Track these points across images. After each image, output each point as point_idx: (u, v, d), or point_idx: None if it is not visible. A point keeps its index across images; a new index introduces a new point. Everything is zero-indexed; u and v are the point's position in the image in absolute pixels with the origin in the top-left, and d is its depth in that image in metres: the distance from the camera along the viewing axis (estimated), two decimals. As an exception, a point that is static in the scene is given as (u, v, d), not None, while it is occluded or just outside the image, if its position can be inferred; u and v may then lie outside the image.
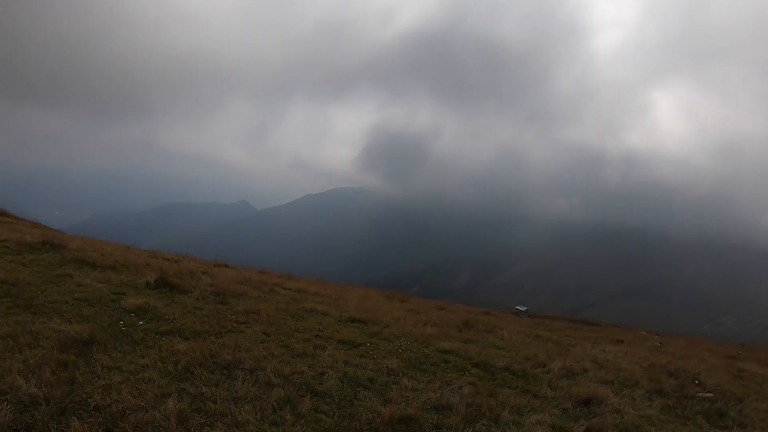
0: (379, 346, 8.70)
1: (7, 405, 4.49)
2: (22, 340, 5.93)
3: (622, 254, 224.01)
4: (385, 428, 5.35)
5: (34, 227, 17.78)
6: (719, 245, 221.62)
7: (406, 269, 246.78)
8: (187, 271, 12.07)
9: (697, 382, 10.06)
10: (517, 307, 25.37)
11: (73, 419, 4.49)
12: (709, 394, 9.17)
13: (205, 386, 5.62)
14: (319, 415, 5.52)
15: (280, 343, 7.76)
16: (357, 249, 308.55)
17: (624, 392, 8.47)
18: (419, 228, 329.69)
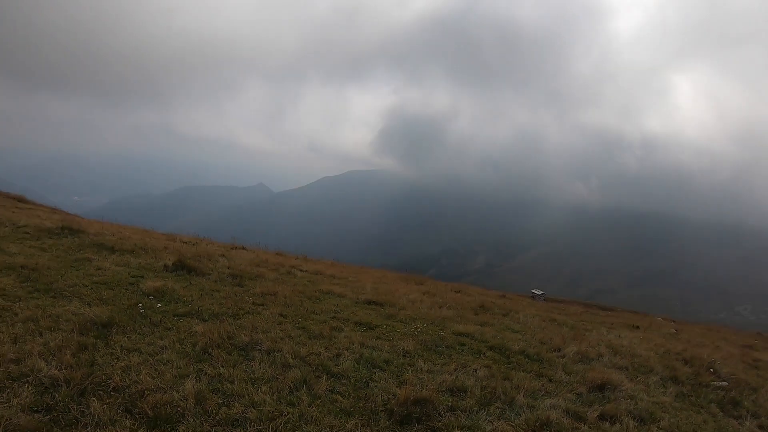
0: (395, 328, 8.75)
1: (28, 387, 4.58)
2: (43, 324, 6.03)
3: (640, 239, 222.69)
4: (400, 410, 5.38)
5: (53, 213, 18.02)
6: (738, 232, 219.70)
7: (422, 252, 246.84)
8: (205, 253, 12.18)
9: (711, 370, 10.02)
10: (533, 290, 25.38)
11: (93, 400, 4.56)
12: (723, 383, 9.14)
13: (222, 367, 5.69)
14: (335, 396, 5.57)
15: (296, 325, 7.83)
16: (373, 231, 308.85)
17: (638, 378, 8.46)
18: (436, 211, 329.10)
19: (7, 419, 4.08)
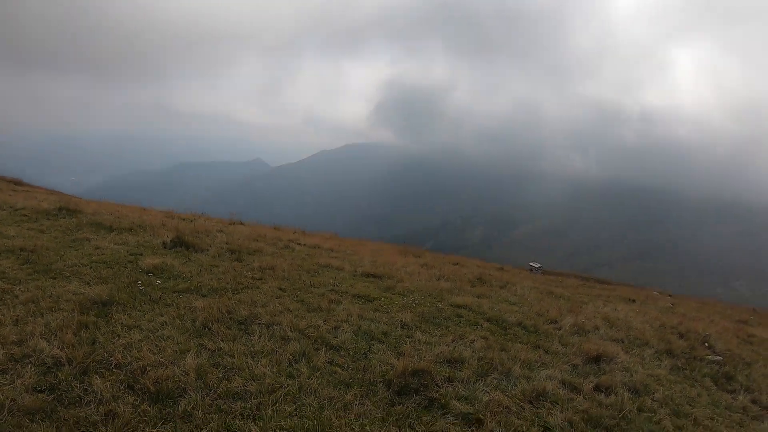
0: (393, 300, 8.83)
1: (31, 367, 4.62)
2: (43, 304, 6.06)
3: (638, 213, 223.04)
4: (398, 380, 5.45)
5: (50, 194, 18.00)
6: (736, 208, 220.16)
7: (420, 225, 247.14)
8: (203, 229, 12.22)
9: (706, 344, 10.14)
10: (531, 263, 25.50)
11: (96, 378, 4.62)
12: (718, 357, 9.25)
13: (222, 341, 5.76)
14: (334, 367, 5.65)
15: (295, 299, 7.90)
16: (371, 204, 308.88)
17: (634, 351, 8.57)
18: (434, 183, 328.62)
19: (11, 400, 4.13)
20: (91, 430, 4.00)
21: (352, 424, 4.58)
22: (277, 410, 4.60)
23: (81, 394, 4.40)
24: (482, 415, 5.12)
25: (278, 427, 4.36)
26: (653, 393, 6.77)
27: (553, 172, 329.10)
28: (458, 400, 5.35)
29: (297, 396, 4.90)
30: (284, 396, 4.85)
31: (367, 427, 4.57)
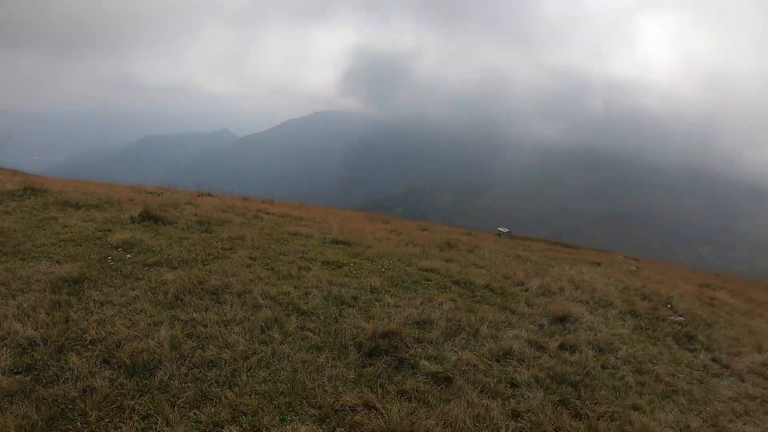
0: (362, 265, 8.97)
1: (6, 350, 4.62)
2: (14, 286, 6.00)
3: (605, 180, 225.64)
4: (368, 343, 5.61)
5: (14, 175, 17.57)
6: (702, 176, 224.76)
7: (389, 192, 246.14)
8: (171, 202, 12.14)
9: (669, 306, 10.52)
10: (499, 228, 25.81)
11: (71, 355, 4.67)
12: (680, 318, 9.63)
13: (195, 312, 5.83)
14: (306, 332, 5.78)
15: (265, 267, 7.98)
16: (340, 172, 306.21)
17: (598, 311, 8.89)
18: (402, 150, 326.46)
19: (-11, 383, 4.14)
20: (70, 406, 4.06)
21: (325, 386, 4.72)
22: (251, 376, 4.73)
23: (58, 372, 4.45)
24: (451, 373, 5.32)
25: (253, 392, 4.49)
26: (617, 351, 7.08)
27: (522, 139, 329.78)
28: (427, 359, 5.53)
29: (270, 361, 5.02)
30: (258, 362, 4.97)
31: (339, 389, 4.72)
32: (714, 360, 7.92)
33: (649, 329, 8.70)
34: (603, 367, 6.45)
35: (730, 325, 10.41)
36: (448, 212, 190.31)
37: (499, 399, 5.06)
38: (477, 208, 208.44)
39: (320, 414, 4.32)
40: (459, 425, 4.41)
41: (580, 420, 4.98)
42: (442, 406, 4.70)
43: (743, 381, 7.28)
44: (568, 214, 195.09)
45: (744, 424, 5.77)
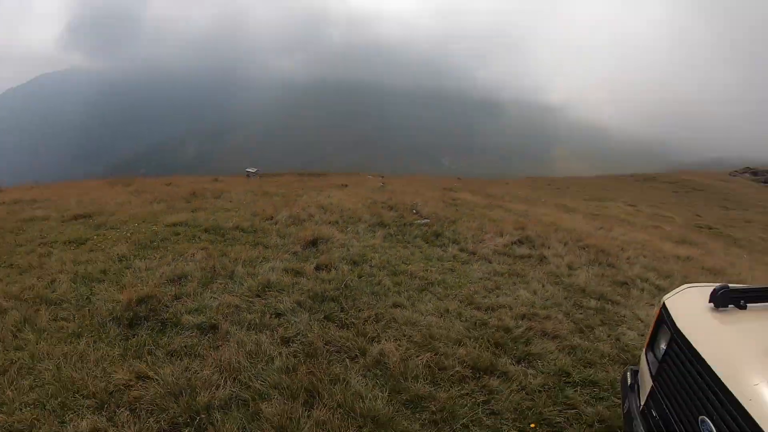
0: (107, 235, 8.57)
1: None
2: None
3: (348, 108, 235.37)
4: (126, 314, 5.42)
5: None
6: (438, 95, 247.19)
7: (131, 152, 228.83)
8: None
9: (415, 211, 11.65)
10: (248, 169, 25.95)
11: None
12: (426, 220, 10.73)
13: None
14: (60, 323, 5.39)
15: (3, 265, 7.25)
16: (75, 139, 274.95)
17: (349, 229, 9.54)
18: (139, 105, 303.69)
19: None
20: None
21: (93, 371, 4.48)
22: (16, 390, 4.29)
23: None
24: (215, 320, 5.39)
25: (23, 405, 4.09)
26: (371, 260, 7.67)
27: (262, 77, 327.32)
28: (189, 313, 5.53)
29: (32, 366, 4.61)
30: (18, 372, 4.53)
31: (108, 370, 4.51)
32: (462, 250, 8.88)
33: (398, 235, 9.52)
34: (359, 276, 6.94)
35: (473, 218, 11.72)
36: (195, 162, 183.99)
37: (267, 331, 5.24)
38: (225, 153, 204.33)
39: (97, 402, 4.12)
40: (234, 366, 4.53)
41: (347, 329, 5.37)
42: (213, 353, 4.76)
43: (490, 262, 8.28)
44: (316, 145, 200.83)
45: (497, 297, 6.63)
